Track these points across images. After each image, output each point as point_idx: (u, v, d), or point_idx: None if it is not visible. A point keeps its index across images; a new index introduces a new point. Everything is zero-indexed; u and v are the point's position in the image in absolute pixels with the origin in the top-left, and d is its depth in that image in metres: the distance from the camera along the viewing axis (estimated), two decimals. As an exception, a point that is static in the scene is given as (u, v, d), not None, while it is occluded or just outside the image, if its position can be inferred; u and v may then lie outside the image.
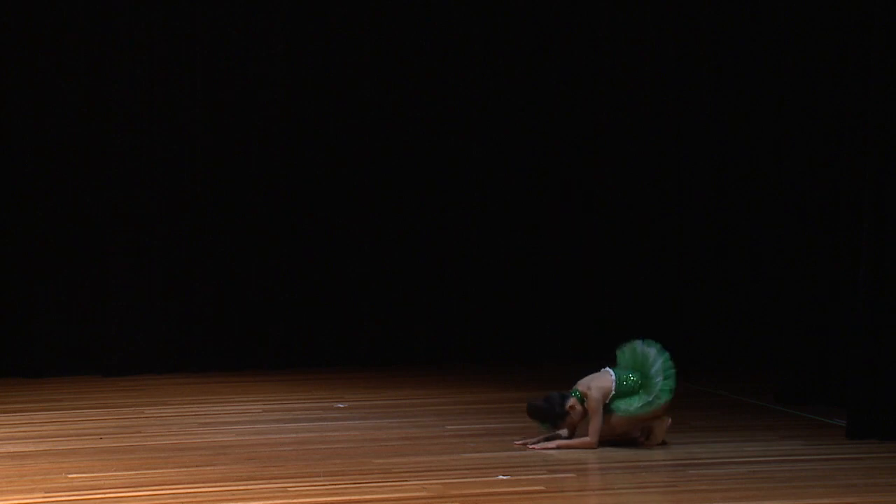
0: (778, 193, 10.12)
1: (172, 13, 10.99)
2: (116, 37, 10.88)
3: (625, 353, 8.08)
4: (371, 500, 6.66)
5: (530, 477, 7.18)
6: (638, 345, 8.07)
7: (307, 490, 6.86)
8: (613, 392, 7.88)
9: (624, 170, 11.54)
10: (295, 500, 6.66)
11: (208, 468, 7.36)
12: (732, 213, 11.49)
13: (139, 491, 6.80)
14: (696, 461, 7.55)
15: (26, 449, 7.94)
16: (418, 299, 11.45)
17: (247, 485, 6.95)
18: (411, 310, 11.43)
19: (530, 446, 7.88)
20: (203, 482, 7.01)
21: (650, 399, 7.88)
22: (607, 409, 7.88)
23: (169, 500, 6.64)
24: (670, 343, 11.15)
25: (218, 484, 6.97)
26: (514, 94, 11.53)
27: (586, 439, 7.85)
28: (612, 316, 11.34)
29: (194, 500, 6.67)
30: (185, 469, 7.35)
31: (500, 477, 7.15)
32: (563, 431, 7.94)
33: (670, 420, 8.04)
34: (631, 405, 7.87)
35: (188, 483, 6.99)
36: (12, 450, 7.91)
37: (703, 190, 11.44)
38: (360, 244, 11.35)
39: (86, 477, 7.15)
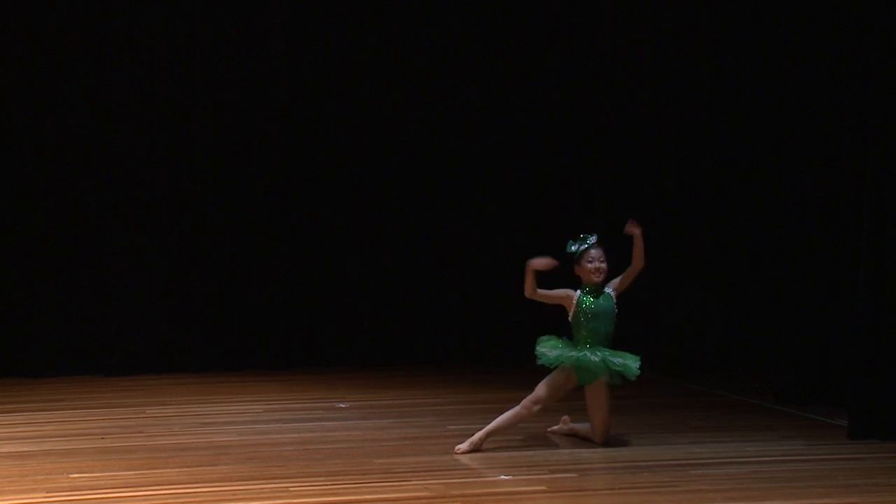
0: (778, 193, 10.12)
1: (172, 13, 10.99)
2: (116, 37, 10.90)
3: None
4: (372, 500, 6.66)
5: (532, 477, 7.18)
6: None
7: (308, 490, 6.86)
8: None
9: (624, 170, 11.54)
10: (296, 500, 6.66)
11: (209, 468, 7.36)
12: (732, 213, 11.49)
13: (140, 491, 6.80)
14: (696, 461, 7.55)
15: (27, 449, 7.93)
16: (418, 299, 11.46)
17: (248, 485, 6.95)
18: (411, 310, 11.45)
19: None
20: (204, 482, 7.01)
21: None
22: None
23: (170, 500, 6.64)
24: (671, 343, 11.29)
25: (219, 484, 6.97)
26: (514, 94, 11.54)
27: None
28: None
29: (195, 499, 6.67)
30: (186, 469, 7.35)
31: (502, 477, 7.15)
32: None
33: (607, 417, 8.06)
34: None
35: (189, 483, 6.99)
36: (13, 450, 7.91)
37: (703, 190, 11.44)
38: (360, 244, 11.36)
39: (87, 477, 7.15)
